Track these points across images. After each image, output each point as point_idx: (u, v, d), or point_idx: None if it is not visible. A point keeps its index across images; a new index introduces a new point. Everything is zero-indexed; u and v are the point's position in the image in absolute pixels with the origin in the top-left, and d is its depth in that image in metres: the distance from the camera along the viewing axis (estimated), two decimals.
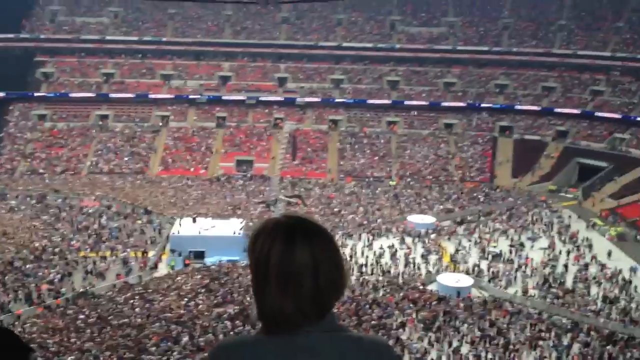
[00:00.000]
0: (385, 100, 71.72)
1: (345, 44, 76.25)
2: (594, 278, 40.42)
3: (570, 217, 51.58)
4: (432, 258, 43.79)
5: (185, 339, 28.53)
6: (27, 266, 38.34)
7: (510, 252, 44.34)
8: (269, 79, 73.85)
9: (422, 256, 43.83)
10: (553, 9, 77.64)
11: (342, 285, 1.94)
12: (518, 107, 69.28)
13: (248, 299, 32.30)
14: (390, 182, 60.11)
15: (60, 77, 72.05)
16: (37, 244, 41.86)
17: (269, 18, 78.60)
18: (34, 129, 67.22)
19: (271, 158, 62.40)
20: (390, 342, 30.86)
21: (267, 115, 69.92)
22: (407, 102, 71.32)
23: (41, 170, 61.69)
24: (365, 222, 49.97)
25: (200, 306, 32.11)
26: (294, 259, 1.87)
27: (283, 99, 71.43)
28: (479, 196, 56.05)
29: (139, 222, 48.41)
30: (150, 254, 42.43)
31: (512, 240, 46.58)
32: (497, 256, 43.77)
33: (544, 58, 72.87)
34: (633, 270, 41.81)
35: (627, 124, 64.20)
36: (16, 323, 31.73)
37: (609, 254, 43.80)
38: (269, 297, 1.89)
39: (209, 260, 41.24)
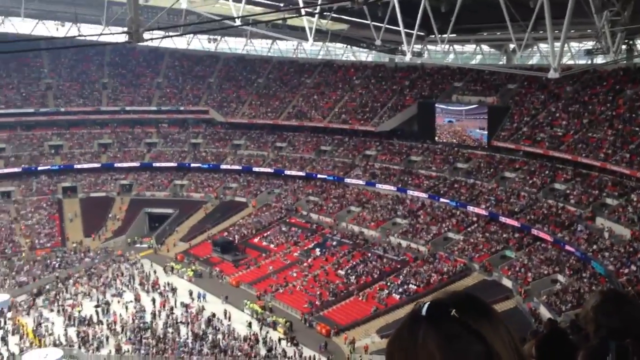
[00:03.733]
0: None
1: None
2: (181, 321, 42.82)
3: (149, 266, 53.39)
4: (13, 338, 40.46)
5: None
6: None
7: (97, 312, 43.79)
8: None
9: (2, 339, 40.11)
10: (94, 68, 79.30)
11: None
12: (77, 166, 68.66)
13: None
14: None
15: None
16: None
17: None
18: None
19: None
20: None
21: None
22: None
23: None
24: None
25: None
26: None
27: None
28: (54, 262, 53.69)
29: None
30: None
31: (97, 300, 46.07)
32: (84, 320, 42.76)
33: (94, 116, 73.77)
34: (202, 296, 45.97)
35: (183, 170, 69.56)
36: None
37: (190, 293, 46.94)
38: None
39: None
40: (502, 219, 48.55)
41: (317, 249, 52.63)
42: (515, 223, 47.32)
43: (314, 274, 48.77)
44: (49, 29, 69.52)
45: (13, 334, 41.06)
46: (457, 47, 66.55)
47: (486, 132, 57.24)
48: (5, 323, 42.69)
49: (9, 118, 70.20)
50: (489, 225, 49.75)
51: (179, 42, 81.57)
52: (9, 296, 46.16)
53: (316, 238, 54.77)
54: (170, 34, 52.74)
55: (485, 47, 67.92)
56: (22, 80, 75.19)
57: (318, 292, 45.77)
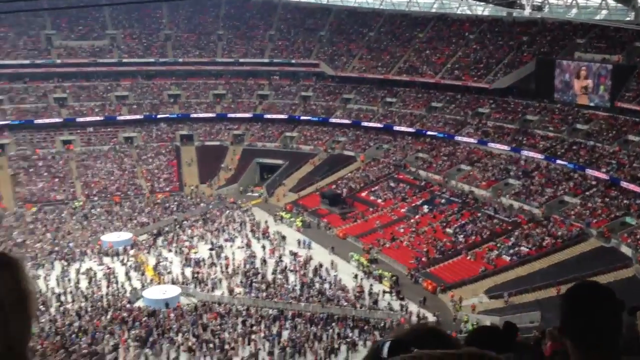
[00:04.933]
0: (55, 118, 67.58)
1: None
2: (289, 268, 44.06)
3: (260, 214, 55.05)
4: (135, 274, 43.13)
5: None
6: None
7: (211, 255, 45.78)
8: None
9: (125, 274, 42.87)
10: (210, 20, 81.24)
11: (30, 317, 1.80)
12: (194, 115, 71.26)
13: None
14: (76, 203, 56.99)
15: None
16: None
17: None
18: None
19: None
20: None
21: None
22: (80, 119, 68.24)
23: None
24: (56, 249, 46.89)
25: None
26: None
27: None
28: (172, 206, 56.51)
29: None
30: None
31: (211, 244, 48.13)
32: (199, 261, 44.84)
33: (209, 67, 75.99)
34: (309, 245, 47.06)
35: (293, 123, 70.63)
36: None
37: (299, 242, 48.14)
38: None
39: None
40: (624, 184, 46.25)
41: (425, 206, 52.28)
42: (638, 189, 44.94)
43: (421, 231, 48.60)
44: None
45: (135, 270, 43.68)
46: (581, 1, 62.89)
47: (609, 92, 54.25)
48: (128, 260, 45.48)
49: (132, 67, 73.62)
50: (609, 190, 47.54)
51: None
52: (132, 235, 49.09)
53: (424, 195, 54.37)
54: None
55: (611, 2, 63.76)
56: (144, 30, 78.27)
57: (425, 249, 45.65)
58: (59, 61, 71.83)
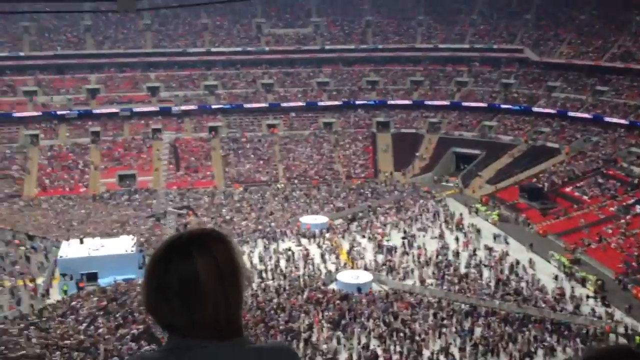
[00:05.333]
0: (262, 103, 71.73)
1: (214, 49, 75.30)
2: (484, 263, 42.84)
3: (454, 205, 54.23)
4: (330, 257, 44.53)
5: None
6: None
7: (404, 244, 45.91)
8: (140, 89, 71.54)
9: (321, 256, 44.43)
10: (411, 5, 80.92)
11: (242, 290, 1.94)
12: (391, 102, 71.72)
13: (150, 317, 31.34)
14: (278, 185, 60.29)
15: None
16: None
17: (131, 26, 76.11)
18: None
19: (154, 170, 60.49)
20: (300, 345, 31.36)
21: (143, 126, 67.68)
22: (283, 104, 71.74)
23: None
24: (259, 228, 49.89)
25: (101, 329, 30.74)
26: (190, 272, 1.85)
27: (158, 109, 69.45)
28: (366, 192, 57.56)
29: (22, 248, 45.39)
30: (39, 280, 40.10)
31: (404, 232, 48.27)
32: (391, 249, 45.16)
33: (408, 53, 75.86)
34: (505, 240, 45.22)
35: (493, 111, 68.37)
36: None
37: (494, 237, 46.64)
38: (168, 314, 1.88)
39: (102, 281, 39.43)
40: None
41: (638, 206, 48.01)
42: None
43: (632, 232, 44.74)
44: None
45: (330, 253, 45.12)
46: None
47: None
48: (324, 242, 47.12)
49: (333, 54, 75.79)
50: None
51: None
52: (328, 219, 50.76)
53: (637, 194, 49.93)
54: None
55: None
56: (346, 17, 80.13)
57: (636, 253, 41.98)
58: (267, 48, 75.93)
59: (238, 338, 1.93)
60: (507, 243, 45.76)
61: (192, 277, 1.84)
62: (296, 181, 61.35)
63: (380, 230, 48.82)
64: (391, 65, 76.00)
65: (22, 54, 70.69)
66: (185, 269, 1.85)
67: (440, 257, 43.62)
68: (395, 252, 44.79)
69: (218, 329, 1.89)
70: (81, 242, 42.52)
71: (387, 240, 46.71)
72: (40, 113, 66.59)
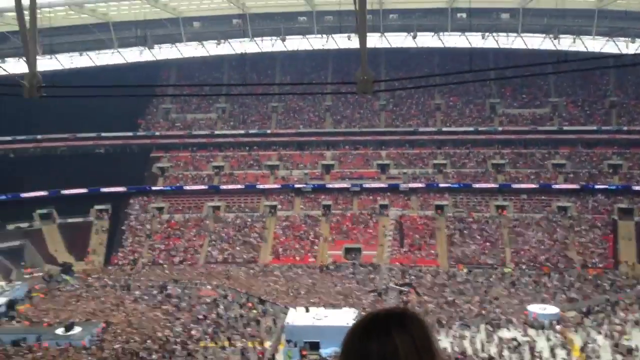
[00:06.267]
0: (492, 184, 70.10)
1: (445, 129, 75.83)
2: None
3: None
4: (560, 352, 41.01)
5: None
6: (152, 357, 38.64)
7: None
8: (371, 166, 74.09)
9: (550, 350, 41.11)
10: None
11: None
12: (636, 187, 65.82)
13: None
14: (505, 269, 57.69)
15: (174, 171, 75.17)
16: (160, 334, 42.40)
17: (367, 106, 79.71)
18: (153, 221, 69.84)
19: (379, 245, 61.62)
20: None
21: (371, 202, 69.73)
22: (514, 185, 69.39)
23: (161, 261, 63.63)
24: (482, 312, 47.87)
25: None
26: (390, 348, 1.87)
27: (386, 186, 71.18)
28: (604, 284, 52.70)
29: (254, 311, 48.45)
30: (267, 344, 42.15)
31: None
32: (631, 350, 40.42)
33: None
34: None
35: None
36: None
37: None
38: None
39: (324, 351, 40.31)
40: None
41: None
42: None
43: None
44: (619, 46, 68.36)
45: (561, 348, 41.60)
46: None
47: None
48: (553, 335, 43.65)
49: (571, 135, 72.17)
50: None
51: None
52: (559, 309, 47.13)
53: None
54: None
55: None
56: (587, 97, 76.26)
57: None
58: (500, 128, 74.66)
59: None
60: None
61: (392, 353, 1.87)
62: (525, 266, 58.20)
63: (619, 328, 44.05)
64: (636, 149, 70.18)
65: (269, 131, 77.56)
66: (385, 346, 1.89)
67: None
68: (636, 353, 39.94)
69: None
70: (307, 310, 44.15)
71: (627, 340, 41.93)
72: (279, 186, 72.12)
